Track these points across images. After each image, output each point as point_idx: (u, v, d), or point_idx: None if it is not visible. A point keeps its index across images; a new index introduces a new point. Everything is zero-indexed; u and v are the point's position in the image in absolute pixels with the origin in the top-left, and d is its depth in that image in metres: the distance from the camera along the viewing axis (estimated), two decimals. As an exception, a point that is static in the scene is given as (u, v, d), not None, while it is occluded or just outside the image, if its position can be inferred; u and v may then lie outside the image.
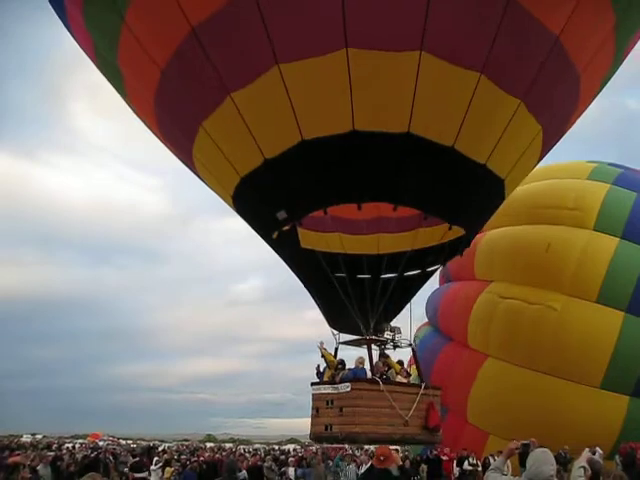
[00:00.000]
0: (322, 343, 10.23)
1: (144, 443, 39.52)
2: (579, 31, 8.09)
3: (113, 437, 51.39)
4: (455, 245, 10.03)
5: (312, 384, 10.13)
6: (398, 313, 10.68)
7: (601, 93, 10.31)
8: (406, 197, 8.62)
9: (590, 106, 10.32)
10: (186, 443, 45.58)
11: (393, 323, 10.45)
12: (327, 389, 9.75)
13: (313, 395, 10.00)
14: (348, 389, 9.34)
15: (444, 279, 15.69)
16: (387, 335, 10.19)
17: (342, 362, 9.94)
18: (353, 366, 9.70)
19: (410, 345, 10.47)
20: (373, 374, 9.70)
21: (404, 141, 7.94)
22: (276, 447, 45.80)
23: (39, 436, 45.48)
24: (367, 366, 9.74)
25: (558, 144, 10.46)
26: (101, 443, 37.78)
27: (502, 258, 13.00)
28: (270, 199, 9.19)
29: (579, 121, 10.52)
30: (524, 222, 13.07)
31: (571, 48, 8.21)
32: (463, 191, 8.91)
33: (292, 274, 10.79)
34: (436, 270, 10.83)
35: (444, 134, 8.12)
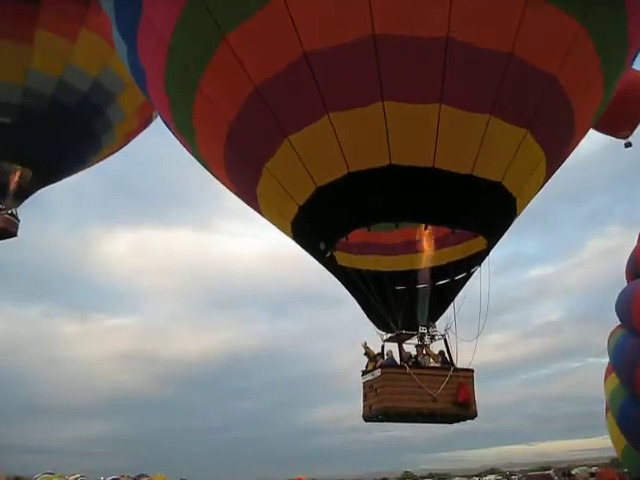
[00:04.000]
0: (365, 342, 12.54)
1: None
2: (572, 71, 9.99)
3: (314, 480, 51.04)
4: (480, 255, 12.01)
5: (361, 375, 12.23)
6: (442, 312, 12.60)
7: None
8: (432, 217, 10.75)
9: None
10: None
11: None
12: (368, 377, 11.99)
13: (362, 384, 12.13)
14: (379, 374, 11.55)
15: (631, 274, 14.94)
16: (421, 330, 12.12)
17: (380, 354, 12.11)
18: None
19: (443, 336, 12.33)
20: (403, 361, 11.73)
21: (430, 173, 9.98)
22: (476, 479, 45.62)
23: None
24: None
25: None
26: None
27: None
28: (317, 229, 11.44)
29: None
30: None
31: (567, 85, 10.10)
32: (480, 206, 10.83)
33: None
34: (467, 277, 12.54)
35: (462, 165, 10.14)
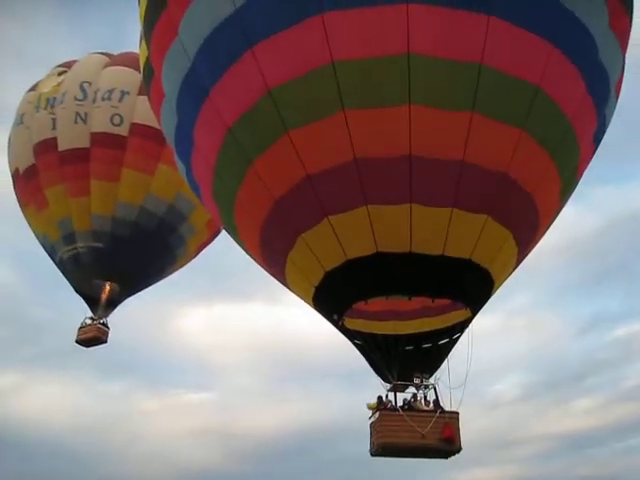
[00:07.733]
0: (368, 403, 14.75)
1: None
2: (521, 166, 12.67)
3: None
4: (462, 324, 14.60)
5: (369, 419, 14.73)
6: (437, 366, 14.92)
7: None
8: (413, 291, 13.61)
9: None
10: None
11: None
12: (372, 419, 14.54)
13: (369, 426, 14.61)
14: (378, 415, 14.18)
15: None
16: (415, 380, 14.51)
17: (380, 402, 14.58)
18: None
19: (433, 386, 14.66)
20: (398, 406, 14.27)
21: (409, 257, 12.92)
22: None
23: None
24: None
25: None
26: None
27: None
28: (329, 304, 14.63)
29: None
30: None
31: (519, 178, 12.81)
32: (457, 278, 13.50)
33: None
34: (454, 340, 14.96)
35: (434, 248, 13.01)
